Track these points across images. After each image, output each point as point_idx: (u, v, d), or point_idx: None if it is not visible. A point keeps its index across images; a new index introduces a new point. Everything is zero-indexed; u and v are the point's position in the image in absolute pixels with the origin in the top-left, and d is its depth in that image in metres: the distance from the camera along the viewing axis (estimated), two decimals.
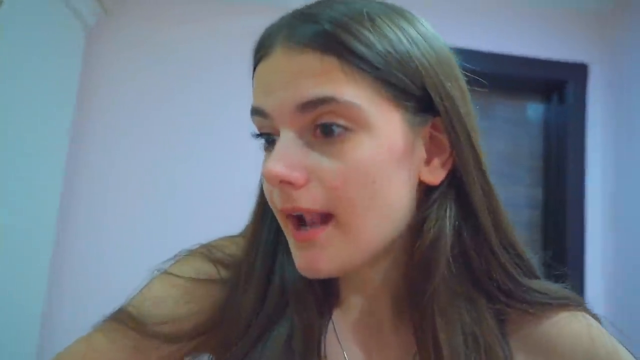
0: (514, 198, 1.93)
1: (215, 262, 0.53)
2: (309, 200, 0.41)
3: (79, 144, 1.73)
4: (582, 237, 1.86)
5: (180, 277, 0.51)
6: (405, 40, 0.43)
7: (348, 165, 0.41)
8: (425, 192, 0.46)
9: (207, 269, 0.52)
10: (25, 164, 1.42)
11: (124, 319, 0.49)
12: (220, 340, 0.50)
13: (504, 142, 1.96)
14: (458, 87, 0.46)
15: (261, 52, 0.46)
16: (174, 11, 1.83)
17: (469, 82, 0.48)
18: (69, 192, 1.69)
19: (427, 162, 0.46)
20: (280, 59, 0.43)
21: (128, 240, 1.71)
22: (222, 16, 1.85)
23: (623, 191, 1.85)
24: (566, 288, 0.49)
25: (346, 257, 0.43)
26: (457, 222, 0.45)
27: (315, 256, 0.43)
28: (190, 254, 0.54)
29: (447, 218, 0.45)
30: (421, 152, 0.45)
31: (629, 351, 0.45)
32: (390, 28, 0.43)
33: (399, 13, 0.45)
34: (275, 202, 0.44)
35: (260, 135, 0.47)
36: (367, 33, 0.42)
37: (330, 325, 0.50)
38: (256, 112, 0.45)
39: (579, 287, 1.77)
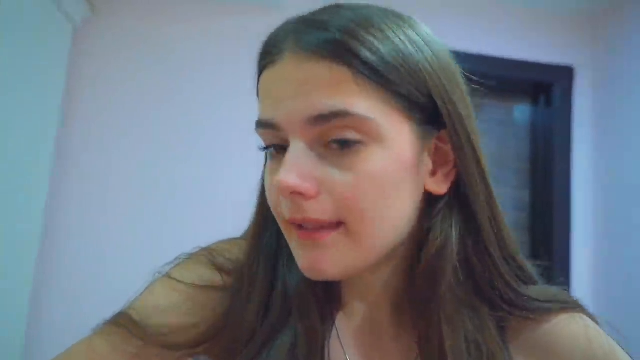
0: (501, 200, 1.94)
1: (218, 268, 0.52)
2: (318, 211, 0.41)
3: (65, 144, 1.71)
4: (569, 238, 1.88)
5: (182, 283, 0.51)
6: (413, 50, 0.43)
7: (360, 177, 0.41)
8: (428, 201, 0.47)
9: (209, 275, 0.52)
10: (11, 163, 1.40)
11: (126, 324, 0.48)
12: (224, 347, 0.50)
13: (492, 143, 1.97)
14: (460, 92, 0.46)
15: (267, 59, 0.45)
16: (162, 10, 1.82)
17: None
18: (56, 192, 1.68)
19: (433, 173, 0.46)
20: (288, 67, 0.42)
21: (115, 240, 1.70)
22: (212, 15, 1.84)
23: (608, 192, 1.87)
24: (564, 291, 0.50)
25: (350, 261, 0.43)
26: (461, 232, 0.46)
27: (319, 257, 0.42)
28: (192, 258, 0.53)
29: (452, 228, 0.45)
30: (428, 163, 0.46)
31: (626, 352, 0.46)
32: (399, 37, 0.43)
33: (404, 20, 0.45)
34: (283, 212, 0.43)
35: (266, 148, 0.46)
36: (377, 43, 0.41)
37: (334, 331, 0.50)
38: (264, 125, 0.44)
39: (566, 288, 1.79)
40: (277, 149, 0.44)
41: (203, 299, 0.51)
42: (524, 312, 0.47)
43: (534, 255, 1.85)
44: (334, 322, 0.50)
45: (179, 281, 0.51)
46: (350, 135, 0.41)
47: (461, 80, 0.47)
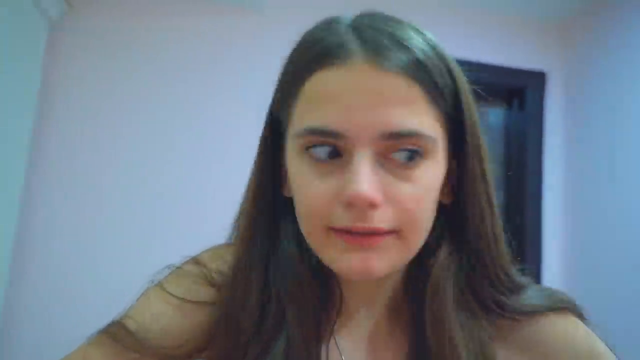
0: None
1: (207, 282, 0.52)
2: (382, 220, 0.42)
3: (41, 144, 1.67)
4: (540, 236, 1.94)
5: (174, 296, 0.51)
6: (458, 74, 0.46)
7: (420, 189, 0.43)
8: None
9: (198, 289, 0.52)
10: None
11: (122, 335, 0.48)
12: (219, 355, 0.50)
13: None
14: (477, 114, 0.49)
15: (326, 59, 0.42)
16: (141, 7, 1.80)
17: None
18: (30, 193, 1.64)
19: (444, 184, 0.48)
20: (362, 75, 0.41)
21: (92, 242, 1.67)
22: (188, 11, 1.83)
23: (578, 192, 1.94)
24: (559, 291, 0.53)
25: (397, 261, 0.45)
26: (458, 240, 0.49)
27: (371, 259, 0.43)
28: (181, 270, 0.53)
29: (449, 236, 0.49)
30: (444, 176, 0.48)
31: (610, 348, 0.50)
32: (449, 60, 0.46)
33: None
34: (338, 220, 0.43)
35: (314, 146, 0.44)
36: (442, 66, 0.44)
37: (328, 328, 0.51)
38: (326, 133, 0.42)
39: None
40: (330, 156, 0.43)
41: (192, 311, 0.51)
42: (512, 313, 0.49)
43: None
44: (332, 326, 0.50)
45: (171, 294, 0.51)
46: (415, 151, 0.43)
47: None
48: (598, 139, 1.84)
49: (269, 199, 0.50)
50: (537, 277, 1.89)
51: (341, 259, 0.44)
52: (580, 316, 0.52)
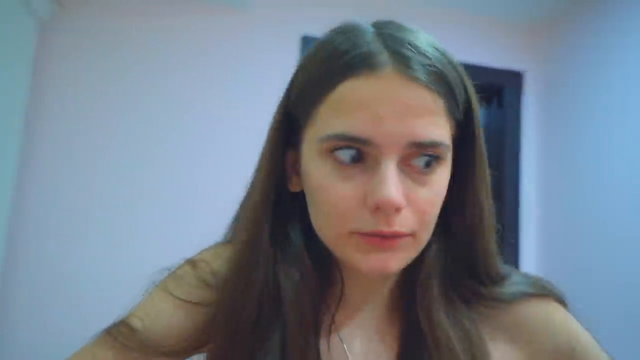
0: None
1: (205, 285, 0.53)
2: (403, 223, 0.44)
3: (32, 143, 1.66)
4: (517, 230, 2.00)
5: (176, 297, 0.53)
6: (467, 80, 0.49)
7: (434, 192, 0.46)
8: None
9: (199, 292, 0.53)
10: None
11: (128, 335, 0.50)
12: (219, 350, 0.51)
13: None
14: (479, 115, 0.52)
15: (355, 68, 0.44)
16: (130, 5, 1.79)
17: None
18: (22, 191, 1.63)
19: None
20: (391, 86, 0.43)
21: (82, 241, 1.66)
22: (179, 10, 1.82)
23: (554, 185, 2.00)
24: (542, 279, 0.57)
25: (409, 258, 0.48)
26: (449, 238, 0.52)
27: (388, 259, 0.45)
28: (181, 273, 0.55)
29: (442, 234, 0.51)
30: None
31: (592, 335, 0.54)
32: (459, 67, 0.48)
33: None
34: (363, 224, 0.44)
35: (339, 149, 0.45)
36: (457, 76, 0.46)
37: (333, 327, 0.53)
38: (356, 140, 0.43)
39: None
40: (353, 159, 0.44)
41: (193, 311, 0.53)
42: (492, 302, 0.53)
43: None
44: (332, 317, 0.52)
45: (173, 295, 0.53)
46: (434, 159, 0.45)
47: None
48: (573, 134, 1.91)
49: (277, 193, 0.51)
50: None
51: (362, 259, 0.45)
52: (562, 302, 0.55)
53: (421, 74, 0.43)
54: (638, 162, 1.59)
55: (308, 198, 0.49)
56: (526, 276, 0.57)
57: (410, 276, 0.52)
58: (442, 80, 0.44)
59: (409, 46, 0.44)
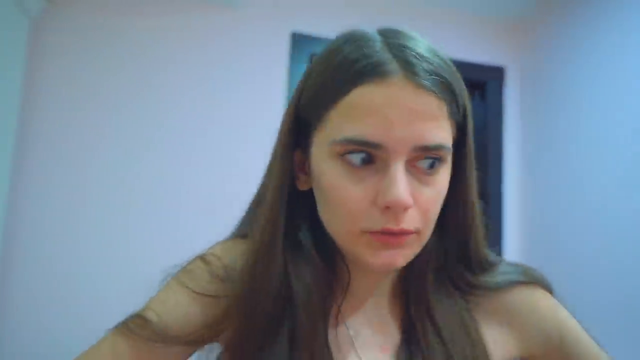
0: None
1: (218, 279, 0.55)
2: (410, 221, 0.47)
3: (25, 142, 1.65)
4: (500, 222, 2.06)
5: (192, 291, 0.54)
6: (462, 83, 0.51)
7: (437, 192, 0.49)
8: None
9: (212, 286, 0.55)
10: None
11: (144, 327, 0.51)
12: (234, 340, 0.53)
13: None
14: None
15: (366, 77, 0.46)
16: (120, 2, 1.79)
17: None
18: (16, 191, 1.63)
19: None
20: (400, 93, 0.45)
21: (77, 240, 1.66)
22: (168, 8, 1.83)
23: (535, 176, 2.06)
24: (531, 268, 0.61)
25: (414, 254, 0.51)
26: (442, 231, 0.56)
27: (396, 255, 0.48)
28: (194, 268, 0.56)
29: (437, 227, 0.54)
30: None
31: (577, 320, 0.58)
32: (456, 71, 0.50)
33: None
34: (373, 222, 0.47)
35: (350, 153, 0.47)
36: (456, 81, 0.49)
37: (340, 318, 0.56)
38: (368, 144, 0.45)
39: None
40: (363, 162, 0.47)
41: (207, 304, 0.54)
42: (482, 290, 0.57)
43: None
44: (339, 307, 0.55)
45: (188, 287, 0.54)
46: (437, 160, 0.48)
47: None
48: (553, 125, 1.97)
49: (289, 192, 0.53)
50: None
51: (372, 256, 0.48)
52: (549, 290, 0.60)
53: (428, 81, 0.45)
54: (618, 150, 1.65)
55: (318, 197, 0.51)
56: (514, 265, 0.60)
57: (410, 268, 0.55)
58: (446, 86, 0.47)
59: (415, 54, 0.46)
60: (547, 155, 2.00)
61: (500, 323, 0.58)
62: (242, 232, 0.60)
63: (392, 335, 0.57)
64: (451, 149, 0.49)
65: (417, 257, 0.52)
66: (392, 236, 0.47)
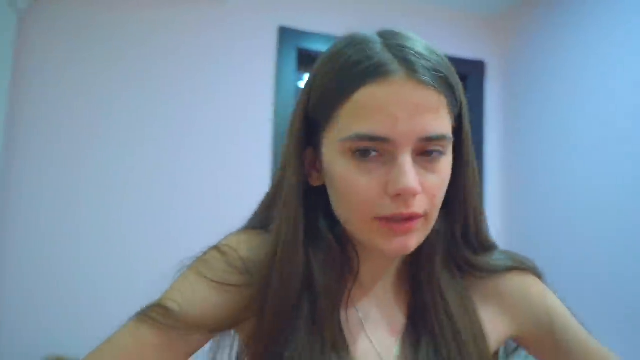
0: None
1: (236, 270, 0.57)
2: (419, 206, 0.51)
3: (13, 139, 1.64)
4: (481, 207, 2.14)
5: (212, 280, 0.56)
6: (458, 78, 0.55)
7: (441, 178, 0.53)
8: None
9: (230, 276, 0.56)
10: None
11: (164, 316, 0.53)
12: (257, 328, 0.56)
13: None
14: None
15: (371, 76, 0.49)
16: None
17: None
18: (6, 188, 1.62)
19: None
20: (403, 90, 0.49)
21: (69, 236, 1.67)
22: (160, 1, 1.84)
23: (514, 166, 2.13)
24: (523, 256, 0.65)
25: (424, 236, 0.54)
26: (448, 215, 0.59)
27: (408, 240, 0.52)
28: (210, 258, 0.58)
29: (443, 211, 0.57)
30: None
31: (566, 306, 0.62)
32: (452, 66, 0.54)
33: None
34: (385, 209, 0.51)
35: (360, 147, 0.50)
36: (453, 74, 0.53)
37: (350, 302, 0.59)
38: (376, 139, 0.49)
39: None
40: (373, 155, 0.51)
41: (226, 292, 0.56)
42: (481, 272, 0.61)
43: None
44: (350, 291, 0.59)
45: (206, 277, 0.56)
46: (440, 149, 0.52)
47: None
48: (533, 118, 2.04)
49: (305, 188, 0.56)
50: None
51: (385, 242, 0.52)
52: (539, 277, 0.64)
53: (427, 77, 0.49)
54: (599, 143, 1.72)
55: (332, 191, 0.55)
56: (507, 252, 0.64)
57: (416, 254, 0.58)
58: (443, 80, 0.51)
59: (414, 53, 0.50)
60: (527, 149, 2.06)
61: (493, 306, 0.62)
62: (253, 224, 0.62)
63: (398, 318, 0.60)
64: (452, 138, 0.53)
65: (424, 242, 0.56)
66: (402, 223, 0.51)
